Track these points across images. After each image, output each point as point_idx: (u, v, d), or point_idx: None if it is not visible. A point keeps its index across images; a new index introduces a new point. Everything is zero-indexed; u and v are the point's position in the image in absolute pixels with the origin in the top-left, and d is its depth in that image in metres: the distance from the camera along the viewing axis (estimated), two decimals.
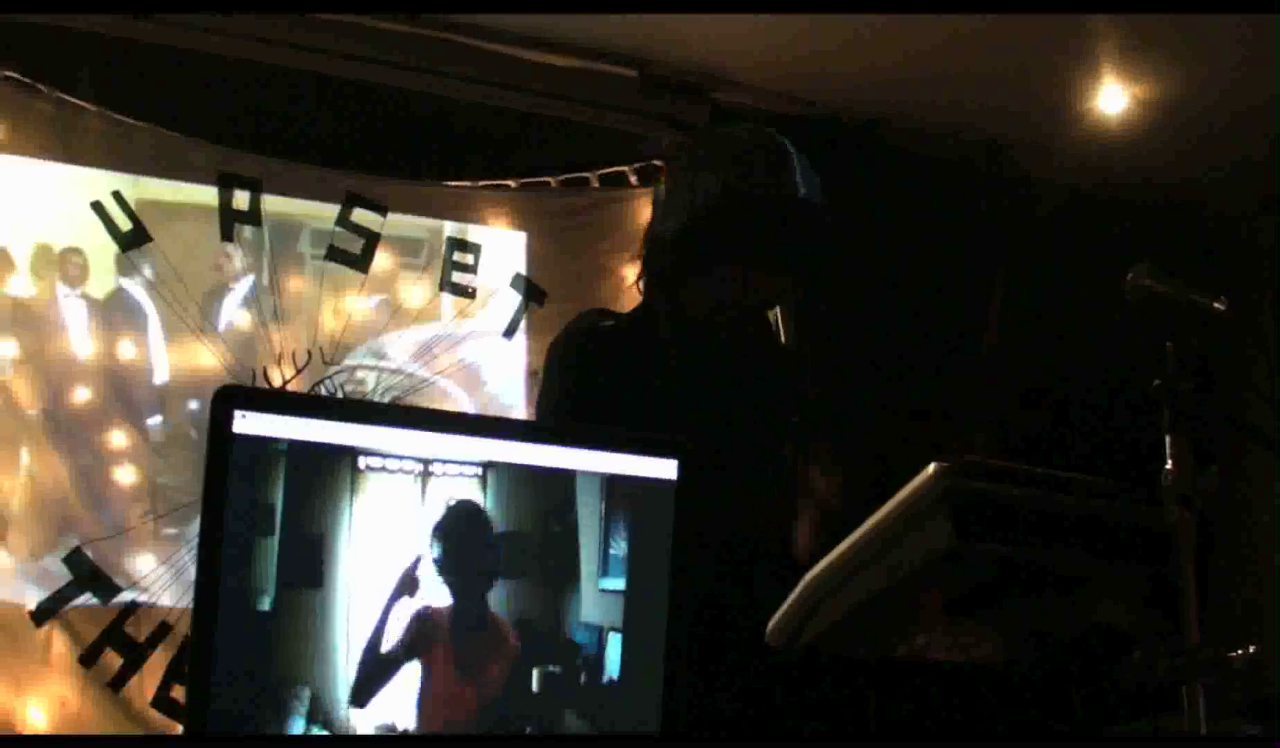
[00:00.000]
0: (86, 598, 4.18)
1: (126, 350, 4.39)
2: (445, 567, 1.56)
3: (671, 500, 1.66)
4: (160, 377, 4.42)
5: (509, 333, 4.95)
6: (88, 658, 4.16)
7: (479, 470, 1.58)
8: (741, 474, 2.34)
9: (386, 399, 4.62)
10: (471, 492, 1.58)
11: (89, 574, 4.18)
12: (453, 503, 1.57)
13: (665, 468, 1.66)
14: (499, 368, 4.93)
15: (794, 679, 2.15)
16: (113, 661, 4.20)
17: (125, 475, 4.33)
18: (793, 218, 2.38)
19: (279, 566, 1.48)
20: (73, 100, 4.34)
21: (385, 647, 1.53)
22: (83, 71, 4.35)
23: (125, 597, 4.23)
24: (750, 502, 2.36)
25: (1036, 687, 2.14)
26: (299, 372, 4.55)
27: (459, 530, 1.56)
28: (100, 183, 4.37)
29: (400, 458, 1.55)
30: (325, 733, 1.50)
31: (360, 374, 4.67)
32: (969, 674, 2.09)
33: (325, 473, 1.51)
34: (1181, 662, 1.72)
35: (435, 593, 1.56)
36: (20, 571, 4.16)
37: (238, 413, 1.47)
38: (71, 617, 4.17)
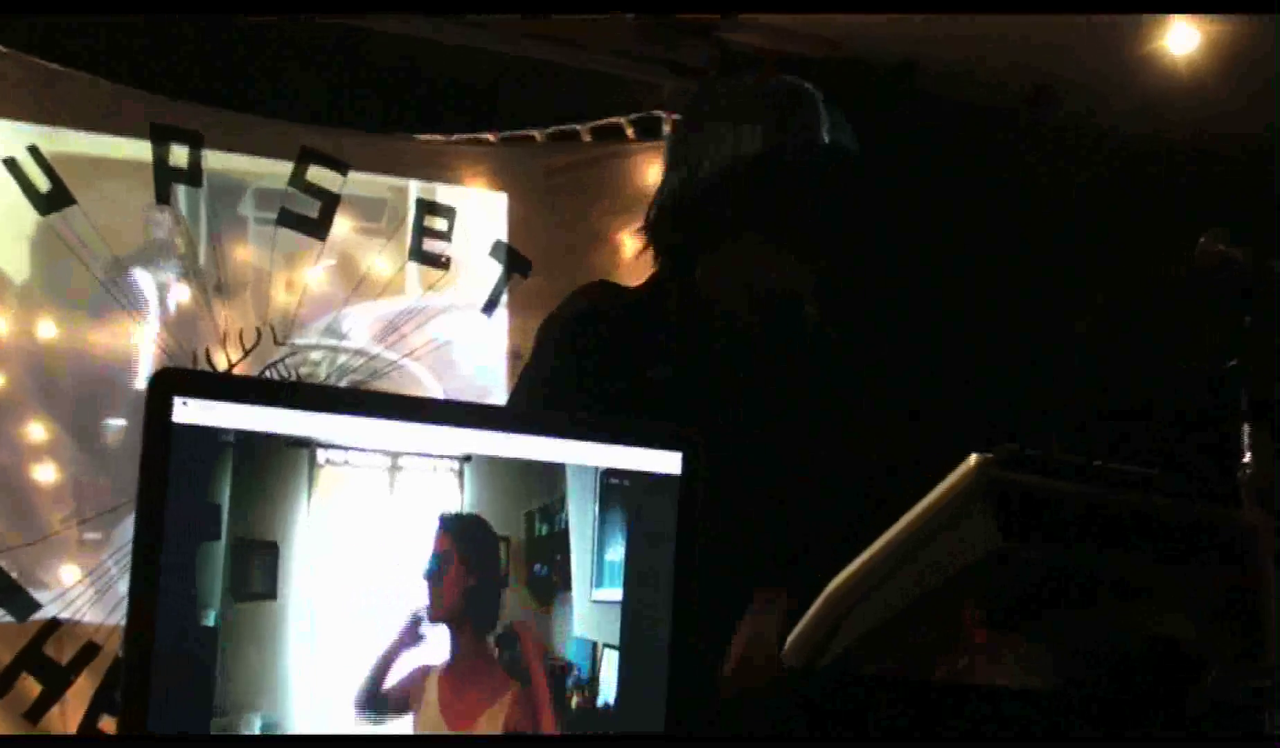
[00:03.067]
0: (0, 615, 4.17)
1: (45, 330, 4.37)
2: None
3: (675, 498, 1.67)
4: (85, 361, 4.40)
5: (488, 308, 4.94)
6: (1, 684, 4.14)
7: (455, 465, 1.58)
8: (762, 477, 2.34)
9: (346, 384, 4.62)
10: (448, 489, 1.58)
11: (2, 587, 4.15)
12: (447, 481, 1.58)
13: (668, 462, 1.67)
14: (476, 349, 4.93)
15: (814, 704, 2.16)
16: (30, 687, 4.18)
17: (44, 474, 4.31)
18: (821, 180, 2.37)
19: (226, 575, 1.48)
20: None
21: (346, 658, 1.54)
22: None
23: (45, 613, 4.21)
24: (769, 508, 2.37)
25: (1092, 715, 2.15)
26: (246, 353, 4.55)
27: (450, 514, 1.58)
28: (14, 136, 4.34)
29: (365, 451, 1.55)
30: None
31: (316, 356, 4.67)
32: (1015, 698, 2.10)
33: (279, 468, 1.52)
34: (1264, 684, 1.73)
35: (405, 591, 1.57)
36: None
37: (178, 400, 1.48)
38: None
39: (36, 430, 4.31)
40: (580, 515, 1.63)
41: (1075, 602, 1.89)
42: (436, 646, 1.58)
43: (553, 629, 1.62)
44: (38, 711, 4.17)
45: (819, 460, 2.45)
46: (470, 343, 4.91)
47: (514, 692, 1.60)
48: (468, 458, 1.59)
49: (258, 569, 1.50)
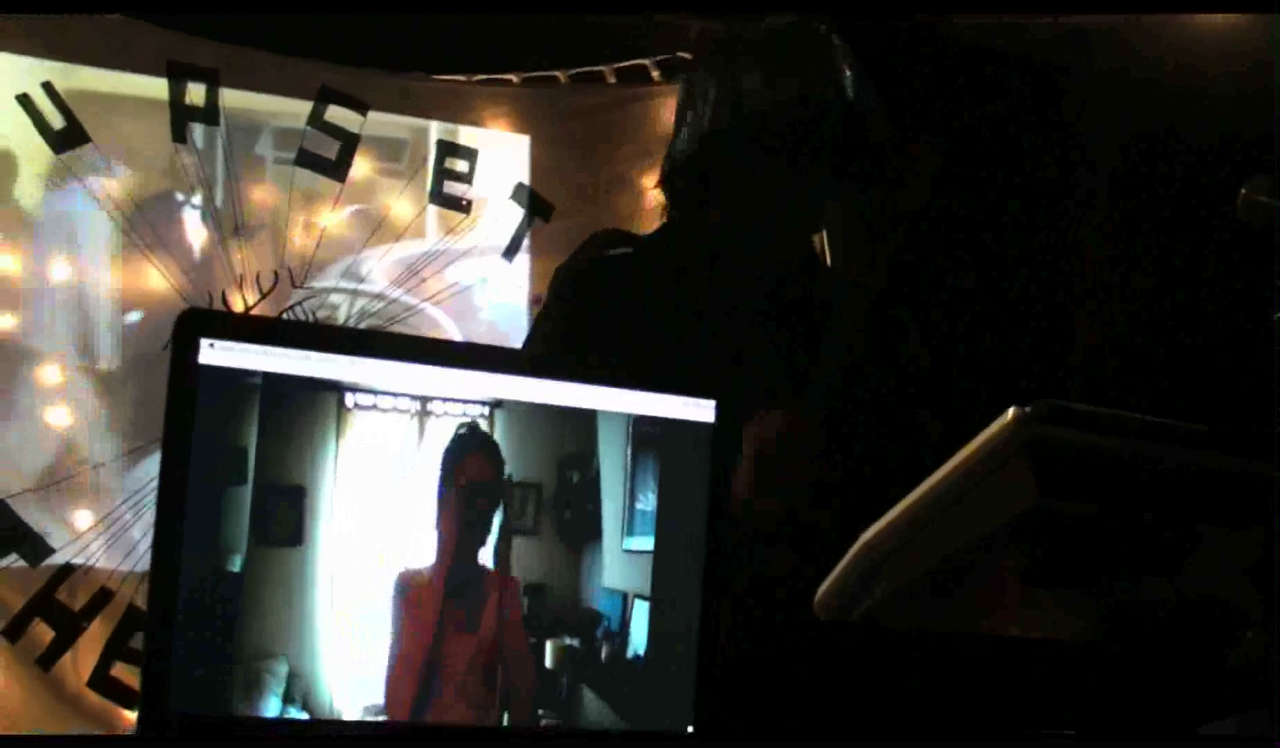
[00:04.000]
0: (12, 560, 4.19)
1: (59, 270, 4.38)
2: (446, 511, 1.57)
3: (708, 447, 1.67)
4: (100, 301, 4.41)
5: (509, 253, 4.94)
6: (12, 631, 4.16)
7: (485, 410, 1.58)
8: (779, 425, 2.34)
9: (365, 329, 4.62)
10: None
11: (14, 532, 4.18)
12: (462, 432, 1.57)
13: (701, 410, 1.67)
14: (497, 293, 4.93)
15: (847, 655, 2.16)
16: (43, 634, 4.20)
17: (58, 417, 4.33)
18: (842, 127, 2.38)
19: (252, 520, 1.49)
20: None
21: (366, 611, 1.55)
22: None
23: (58, 559, 4.23)
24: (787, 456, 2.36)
25: (1128, 671, 2.15)
26: (264, 296, 4.56)
27: (469, 466, 1.57)
28: (28, 73, 4.34)
29: (394, 395, 1.55)
30: (304, 716, 1.51)
31: (335, 300, 4.68)
32: (1050, 652, 2.09)
33: (306, 412, 1.52)
34: None
35: (425, 544, 1.57)
36: None
37: (205, 342, 1.48)
38: None
39: (50, 373, 4.33)
40: (611, 463, 1.63)
41: (1117, 559, 1.88)
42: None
43: (583, 579, 1.62)
44: (50, 657, 4.20)
45: (844, 416, 2.44)
46: (491, 287, 4.91)
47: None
48: (498, 403, 1.59)
49: (284, 514, 1.50)
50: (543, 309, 2.55)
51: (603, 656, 1.62)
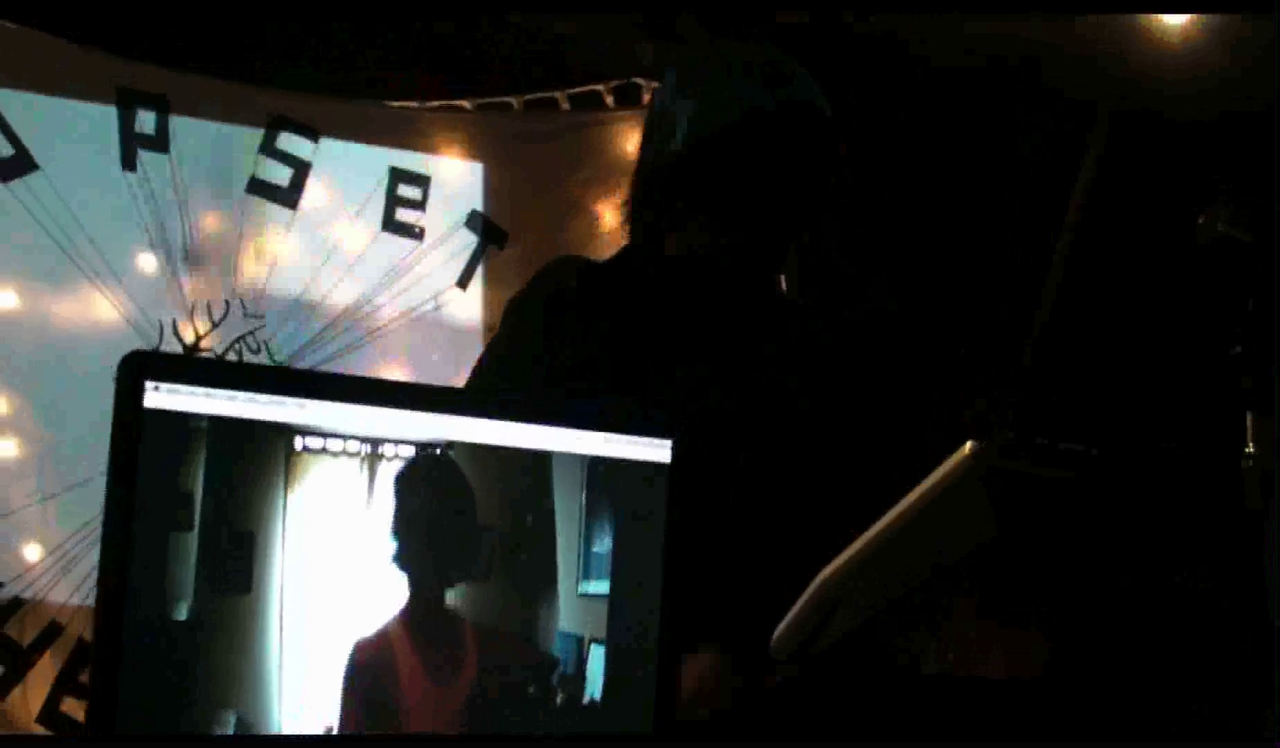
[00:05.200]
0: None
1: (5, 300, 4.34)
2: (407, 549, 1.55)
3: (664, 488, 1.65)
4: (47, 332, 4.36)
5: (463, 281, 4.92)
6: None
7: (437, 452, 1.56)
8: (740, 456, 2.32)
9: (317, 358, 4.59)
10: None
11: None
12: (415, 475, 1.55)
13: (657, 450, 1.65)
14: (451, 322, 4.89)
15: (805, 696, 2.14)
16: None
17: (6, 449, 4.28)
18: (798, 151, 2.37)
19: (199, 566, 1.46)
20: None
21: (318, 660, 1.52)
22: None
23: (7, 592, 4.19)
24: (748, 488, 2.34)
25: (1084, 704, 2.14)
26: (215, 326, 4.52)
27: (422, 509, 1.55)
28: None
29: (344, 437, 1.53)
30: None
31: (287, 329, 4.64)
32: (1012, 688, 2.08)
33: (255, 456, 1.49)
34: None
35: (378, 590, 1.55)
36: None
37: (150, 384, 1.45)
38: None
39: None
40: (567, 506, 1.61)
41: (1076, 592, 1.88)
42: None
43: (538, 624, 1.60)
44: (0, 691, 4.15)
45: (798, 447, 2.42)
46: (445, 316, 4.88)
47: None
48: (450, 445, 1.57)
49: (232, 560, 1.48)
50: (493, 339, 2.53)
51: (558, 702, 1.60)
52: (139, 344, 4.33)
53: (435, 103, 4.98)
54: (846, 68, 4.92)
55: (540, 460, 1.61)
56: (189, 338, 4.46)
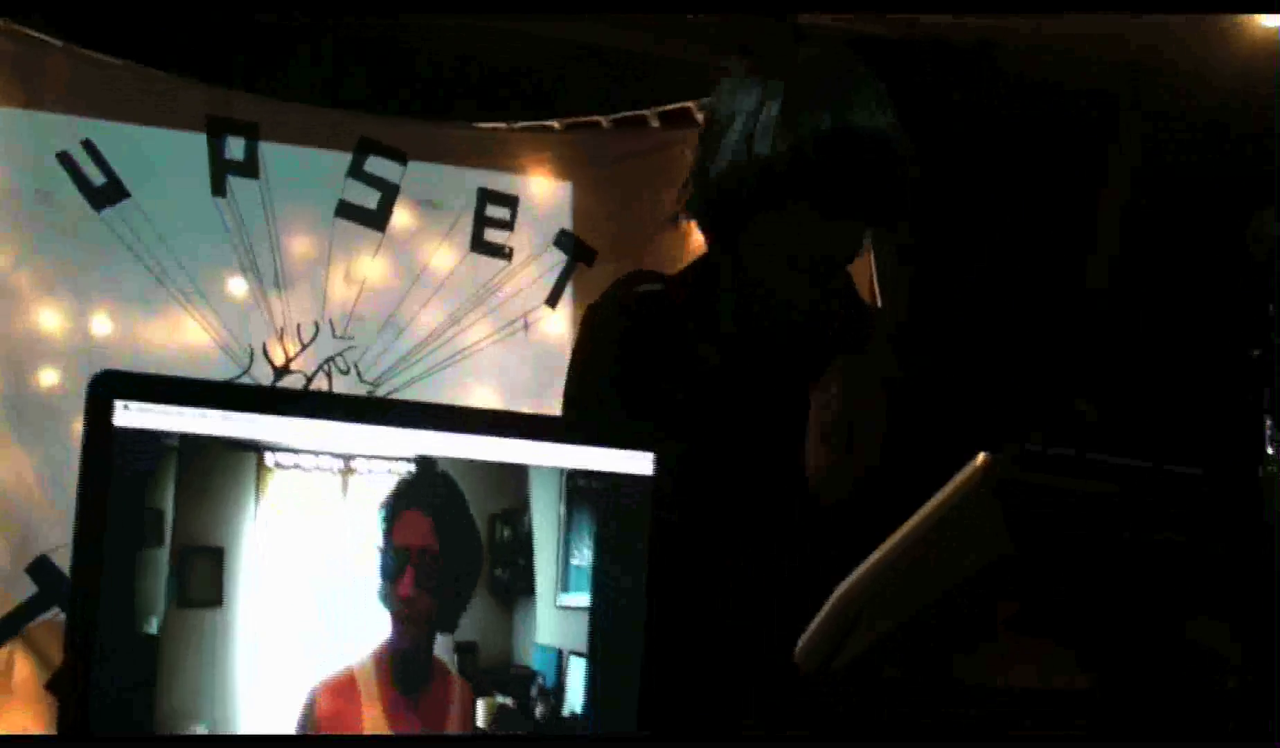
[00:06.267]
0: (55, 613, 4.21)
1: (99, 326, 4.43)
2: (373, 570, 1.56)
3: (647, 500, 1.64)
4: (140, 357, 4.44)
5: (552, 300, 4.94)
6: (57, 683, 4.17)
7: (411, 467, 1.57)
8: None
9: (406, 378, 4.64)
10: None
11: (56, 585, 4.19)
12: (389, 490, 1.56)
13: (639, 462, 1.64)
14: (542, 341, 4.92)
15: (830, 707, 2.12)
16: None
17: None
18: (855, 157, 2.34)
19: (170, 582, 1.48)
20: (34, 35, 4.36)
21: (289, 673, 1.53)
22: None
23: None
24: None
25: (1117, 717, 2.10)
26: (305, 347, 4.59)
27: (398, 524, 1.56)
28: (68, 130, 4.41)
29: (316, 454, 1.54)
30: None
31: (376, 350, 4.69)
32: (1041, 700, 2.05)
33: (225, 472, 1.50)
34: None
35: (352, 604, 1.55)
36: None
37: (119, 404, 1.48)
38: (36, 635, 4.20)
39: None
40: (545, 519, 1.61)
41: (1095, 607, 1.85)
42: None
43: (516, 637, 1.60)
44: None
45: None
46: (534, 335, 4.90)
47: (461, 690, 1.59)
48: (425, 460, 1.57)
49: (202, 576, 1.49)
50: (572, 353, 2.53)
51: (537, 715, 1.60)
52: (230, 367, 4.41)
53: (523, 124, 5.00)
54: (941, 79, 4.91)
55: (517, 474, 1.61)
56: (279, 360, 4.52)
